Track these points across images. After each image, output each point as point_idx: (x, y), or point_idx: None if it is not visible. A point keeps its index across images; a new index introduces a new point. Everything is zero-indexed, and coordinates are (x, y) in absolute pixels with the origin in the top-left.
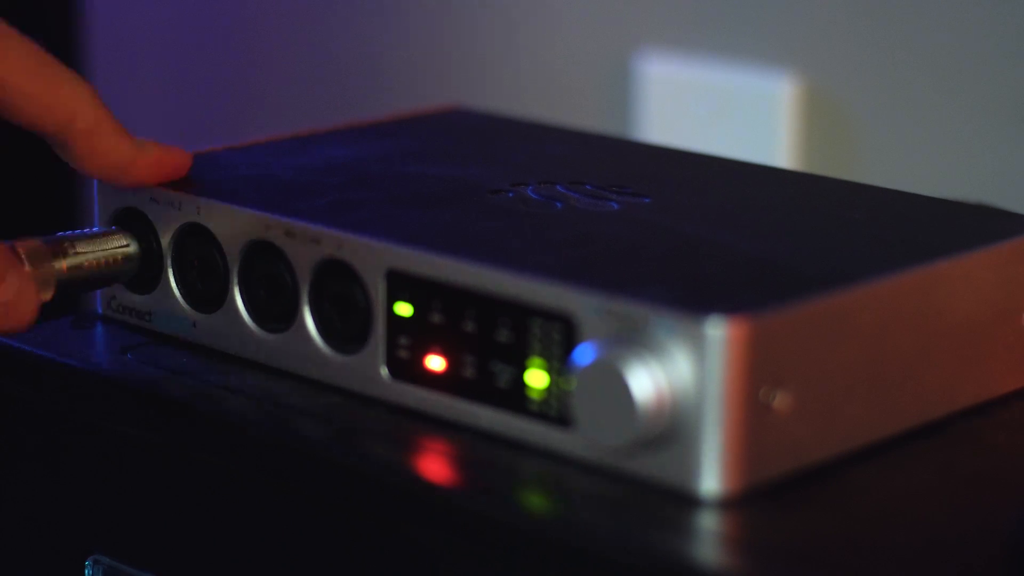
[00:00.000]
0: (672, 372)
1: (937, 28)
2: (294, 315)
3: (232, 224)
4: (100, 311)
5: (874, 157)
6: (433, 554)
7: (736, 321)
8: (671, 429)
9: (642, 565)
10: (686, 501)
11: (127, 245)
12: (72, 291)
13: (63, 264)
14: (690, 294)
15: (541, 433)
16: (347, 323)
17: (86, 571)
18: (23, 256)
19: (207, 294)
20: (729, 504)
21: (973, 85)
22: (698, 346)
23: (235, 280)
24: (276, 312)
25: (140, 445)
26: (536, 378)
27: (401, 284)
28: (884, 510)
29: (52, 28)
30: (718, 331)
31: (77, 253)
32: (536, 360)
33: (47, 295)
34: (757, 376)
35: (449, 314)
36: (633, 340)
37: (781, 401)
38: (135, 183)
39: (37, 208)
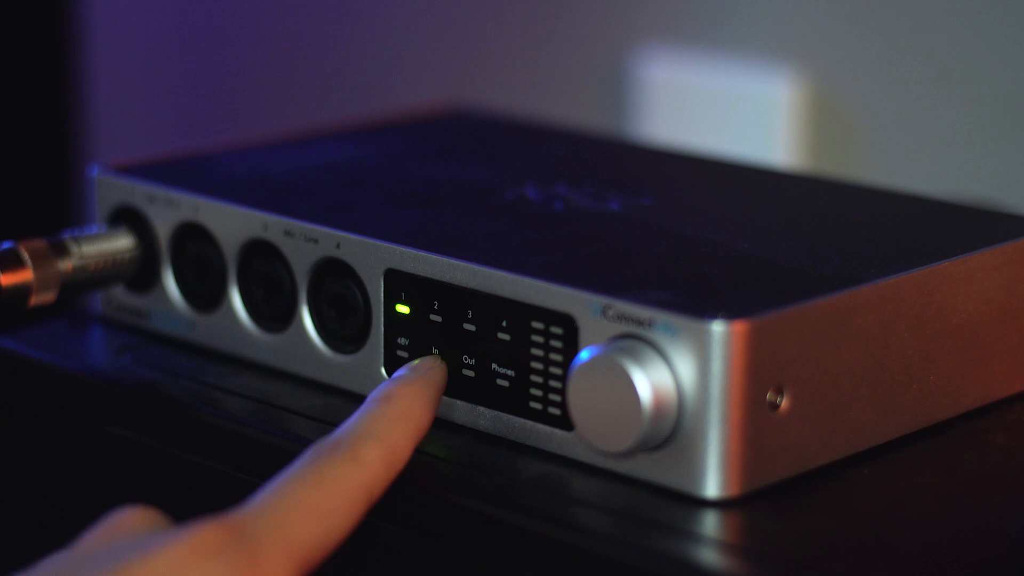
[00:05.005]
0: (675, 374)
1: (939, 28)
2: (292, 315)
3: (230, 223)
4: (98, 311)
5: (876, 157)
6: (432, 555)
7: (740, 323)
8: (674, 431)
9: (644, 568)
10: (689, 503)
11: (133, 246)
12: (75, 292)
13: (68, 265)
14: (693, 296)
15: (542, 434)
16: (346, 323)
17: None
18: (27, 257)
19: (205, 294)
20: (732, 506)
21: (975, 85)
22: (701, 348)
23: (233, 280)
24: (274, 312)
25: (138, 447)
26: (536, 379)
27: (400, 284)
28: (887, 512)
29: (51, 27)
30: (721, 333)
31: (83, 255)
32: (536, 361)
33: (50, 297)
34: (760, 378)
35: (448, 314)
36: (635, 342)
37: (784, 403)
38: None
39: (31, 205)
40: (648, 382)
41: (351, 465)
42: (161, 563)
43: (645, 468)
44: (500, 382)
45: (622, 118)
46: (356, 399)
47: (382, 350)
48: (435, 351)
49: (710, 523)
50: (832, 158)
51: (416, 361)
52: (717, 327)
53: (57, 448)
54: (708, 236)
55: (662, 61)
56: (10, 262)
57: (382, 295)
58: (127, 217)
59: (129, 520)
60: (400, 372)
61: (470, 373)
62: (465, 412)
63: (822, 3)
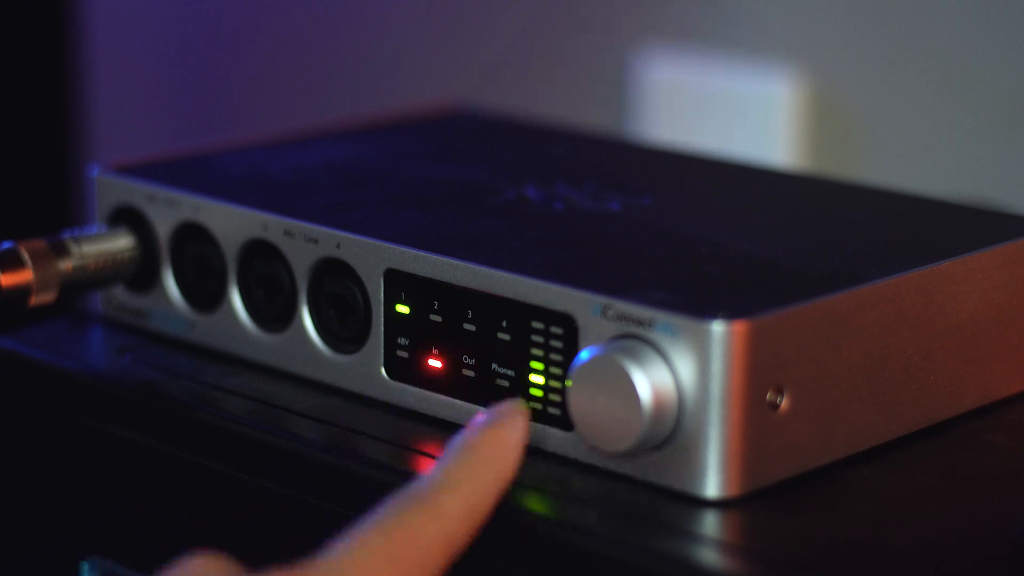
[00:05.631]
0: (675, 374)
1: (939, 28)
2: (292, 315)
3: (230, 223)
4: (98, 310)
5: (876, 157)
6: None
7: (740, 323)
8: (674, 431)
9: (644, 568)
10: (689, 503)
11: (132, 246)
12: (75, 292)
13: (68, 265)
14: (693, 295)
15: (542, 434)
16: (345, 323)
17: (83, 574)
18: (27, 257)
19: (205, 294)
20: (732, 506)
21: (976, 85)
22: (701, 348)
23: (233, 280)
24: (274, 312)
25: (137, 447)
26: (536, 379)
27: (400, 284)
28: (887, 512)
29: (51, 28)
30: (721, 333)
31: (83, 255)
32: (536, 361)
33: (50, 297)
34: (760, 378)
35: (448, 314)
36: (635, 342)
37: (784, 403)
38: None
39: (31, 205)
40: (648, 382)
41: (430, 517)
42: None
43: (645, 468)
44: (500, 382)
45: (622, 118)
46: (356, 399)
47: (382, 350)
48: (512, 401)
49: (710, 523)
50: (832, 158)
51: (498, 405)
52: (717, 327)
53: (57, 448)
54: (708, 236)
55: (663, 61)
56: (10, 262)
57: (382, 295)
58: (127, 217)
59: (201, 568)
60: (480, 418)
61: (470, 373)
62: (465, 412)
63: (822, 3)
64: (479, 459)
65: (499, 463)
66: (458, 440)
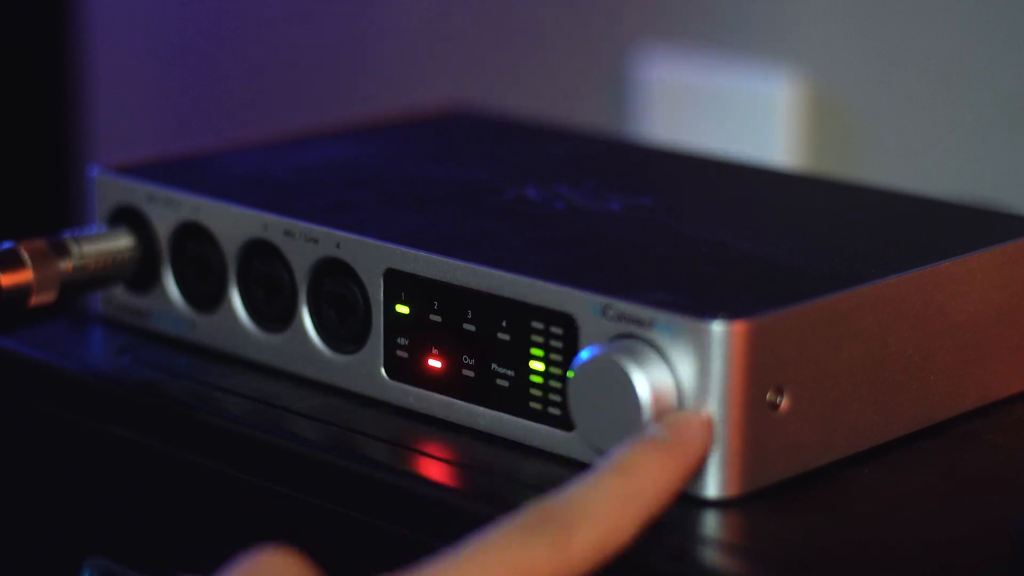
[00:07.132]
0: (675, 374)
1: (939, 28)
2: (292, 315)
3: (230, 223)
4: (98, 310)
5: (876, 157)
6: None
7: (740, 323)
8: None
9: (644, 568)
10: (689, 503)
11: (132, 246)
12: (75, 292)
13: (68, 265)
14: (693, 295)
15: (541, 434)
16: (345, 323)
17: (84, 573)
18: (27, 257)
19: (205, 294)
20: (732, 506)
21: (975, 85)
22: (701, 348)
23: (233, 280)
24: (274, 312)
25: (138, 447)
26: (536, 379)
27: (400, 284)
28: (887, 512)
29: (51, 28)
30: (721, 333)
31: (83, 255)
32: (536, 361)
33: (50, 297)
34: (760, 378)
35: (448, 314)
36: (635, 341)
37: (784, 403)
38: None
39: (31, 205)
40: (648, 382)
41: (556, 551)
42: None
43: None
44: (500, 382)
45: (622, 118)
46: (356, 399)
47: (382, 350)
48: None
49: (710, 523)
50: (832, 158)
51: (677, 417)
52: (717, 327)
53: (57, 448)
54: (708, 236)
55: (662, 61)
56: (10, 262)
57: (382, 295)
58: (127, 217)
59: (272, 568)
60: (652, 432)
61: (470, 373)
62: (465, 412)
63: (822, 3)
64: (629, 488)
65: (652, 495)
66: (613, 457)
